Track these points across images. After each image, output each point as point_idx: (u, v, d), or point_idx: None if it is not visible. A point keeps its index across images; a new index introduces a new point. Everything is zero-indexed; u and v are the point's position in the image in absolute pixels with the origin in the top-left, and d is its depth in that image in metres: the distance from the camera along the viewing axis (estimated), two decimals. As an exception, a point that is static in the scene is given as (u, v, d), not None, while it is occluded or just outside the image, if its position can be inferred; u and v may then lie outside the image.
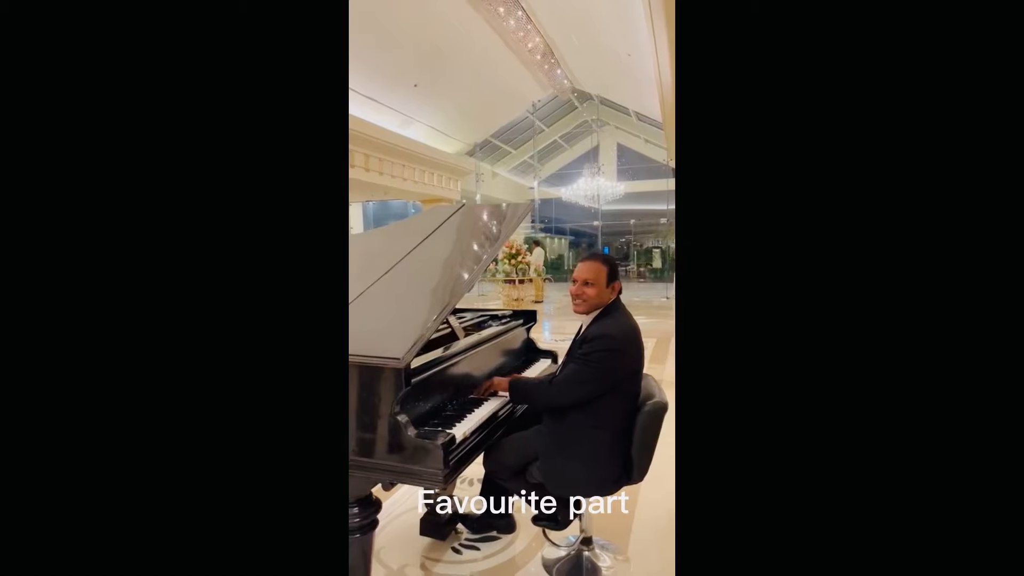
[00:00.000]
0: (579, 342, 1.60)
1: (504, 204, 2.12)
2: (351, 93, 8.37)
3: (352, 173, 8.53)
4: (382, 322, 1.50)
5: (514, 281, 8.94)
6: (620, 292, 1.65)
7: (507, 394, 1.63)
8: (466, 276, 1.73)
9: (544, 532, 1.88)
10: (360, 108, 8.67)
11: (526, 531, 1.90)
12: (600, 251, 1.73)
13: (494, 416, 1.59)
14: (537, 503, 1.69)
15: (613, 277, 1.61)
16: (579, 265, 1.64)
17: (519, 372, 1.97)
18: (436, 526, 1.86)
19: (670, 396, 1.63)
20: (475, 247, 1.94)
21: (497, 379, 1.68)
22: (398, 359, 1.27)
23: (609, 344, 1.49)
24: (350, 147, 8.38)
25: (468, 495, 2.12)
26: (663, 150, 12.12)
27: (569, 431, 1.51)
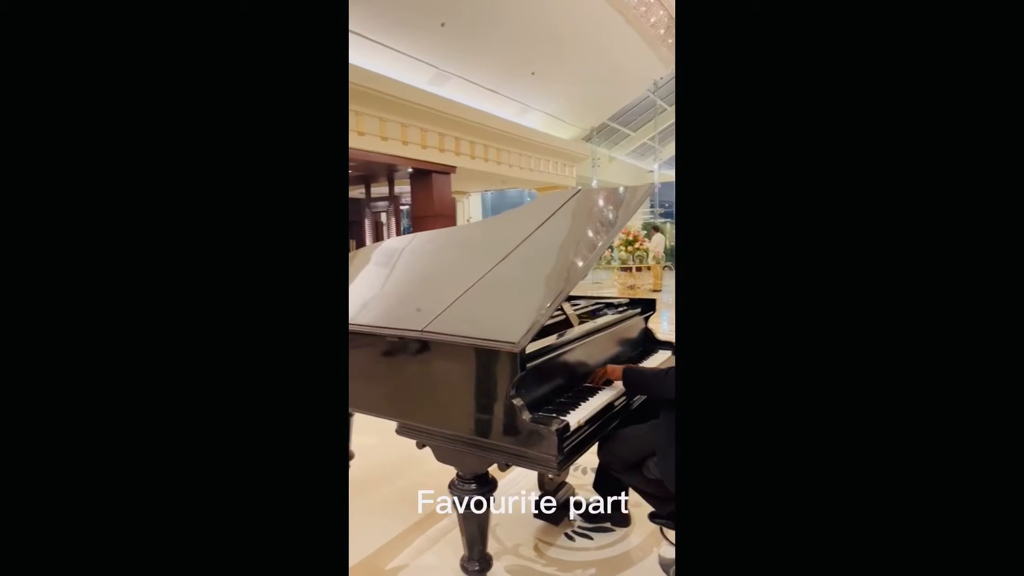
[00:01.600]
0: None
1: (622, 188, 2.04)
2: (474, 86, 8.67)
3: (472, 164, 8.89)
4: (498, 307, 1.53)
5: (630, 268, 8.64)
6: None
7: (620, 381, 1.58)
8: (581, 263, 1.70)
9: (661, 530, 1.80)
10: (481, 100, 8.95)
11: (641, 526, 1.84)
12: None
13: (610, 406, 1.55)
14: (655, 500, 1.62)
15: None
16: None
17: (635, 363, 1.89)
18: (549, 510, 1.87)
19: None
20: (591, 233, 1.89)
21: (611, 366, 1.63)
22: (513, 343, 1.29)
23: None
24: (472, 139, 8.73)
25: (581, 483, 2.11)
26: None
27: (691, 428, 1.42)
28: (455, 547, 1.58)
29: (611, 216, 1.92)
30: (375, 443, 2.44)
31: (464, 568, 1.49)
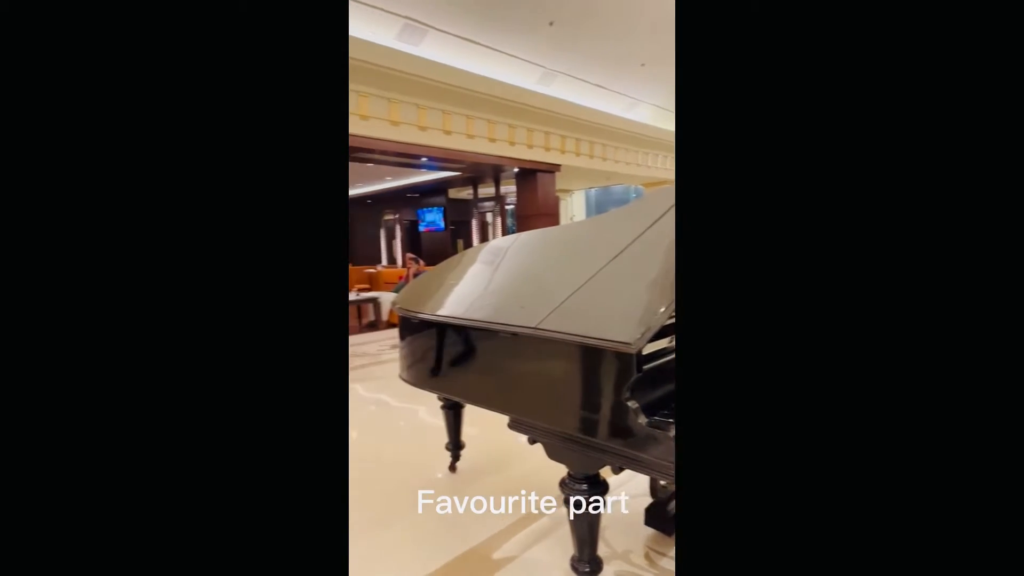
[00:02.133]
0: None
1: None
2: (581, 83, 8.60)
3: (577, 161, 8.82)
4: (613, 306, 1.50)
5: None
6: None
7: None
8: (702, 260, 1.60)
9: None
10: (590, 96, 8.84)
11: (765, 548, 1.69)
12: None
13: (732, 415, 1.44)
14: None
15: None
16: None
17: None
18: (662, 519, 1.80)
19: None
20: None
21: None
22: (629, 344, 1.25)
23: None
24: (578, 136, 8.66)
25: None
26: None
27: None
28: (563, 544, 1.58)
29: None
30: (477, 433, 2.52)
31: (575, 568, 1.48)
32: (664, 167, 10.61)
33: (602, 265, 1.69)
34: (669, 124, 11.14)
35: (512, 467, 2.32)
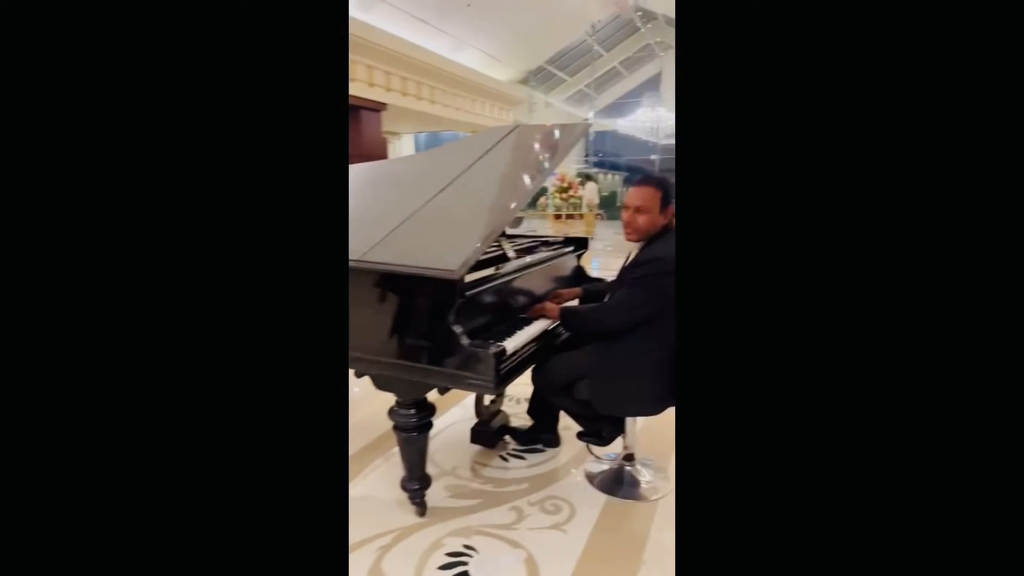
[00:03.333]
0: (629, 267, 1.58)
1: (558, 126, 2.05)
2: (404, 14, 8.10)
3: (403, 101, 8.44)
4: (437, 237, 1.53)
5: (562, 216, 8.79)
6: (674, 216, 1.59)
7: (557, 320, 1.65)
8: (517, 196, 1.72)
9: (588, 447, 1.97)
10: (411, 30, 8.39)
11: (570, 446, 1.99)
12: (653, 173, 1.64)
13: (544, 333, 1.62)
14: (583, 420, 1.76)
15: (667, 201, 1.54)
16: (630, 190, 1.58)
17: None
18: (486, 435, 1.98)
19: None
20: (527, 168, 1.90)
21: (549, 304, 1.70)
22: (452, 271, 1.30)
23: (663, 267, 1.46)
24: (404, 74, 8.23)
25: (515, 412, 2.22)
26: (732, 76, 11.14)
27: (619, 352, 1.53)
28: (396, 475, 1.64)
29: (549, 151, 1.93)
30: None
31: (404, 487, 1.56)
32: (492, 115, 10.78)
33: (427, 199, 1.70)
34: (496, 72, 11.26)
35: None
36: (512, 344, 1.43)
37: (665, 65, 13.76)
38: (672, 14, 12.01)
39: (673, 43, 13.44)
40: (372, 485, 1.75)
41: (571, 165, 14.07)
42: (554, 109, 14.57)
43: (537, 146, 2.03)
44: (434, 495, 1.65)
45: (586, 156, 16.18)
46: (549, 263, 1.96)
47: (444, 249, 1.43)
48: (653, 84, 13.64)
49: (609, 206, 13.89)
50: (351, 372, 1.49)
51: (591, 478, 1.79)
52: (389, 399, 1.52)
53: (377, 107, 8.03)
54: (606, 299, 1.63)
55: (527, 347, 1.53)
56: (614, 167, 16.78)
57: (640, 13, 12.27)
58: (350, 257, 1.44)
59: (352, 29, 6.90)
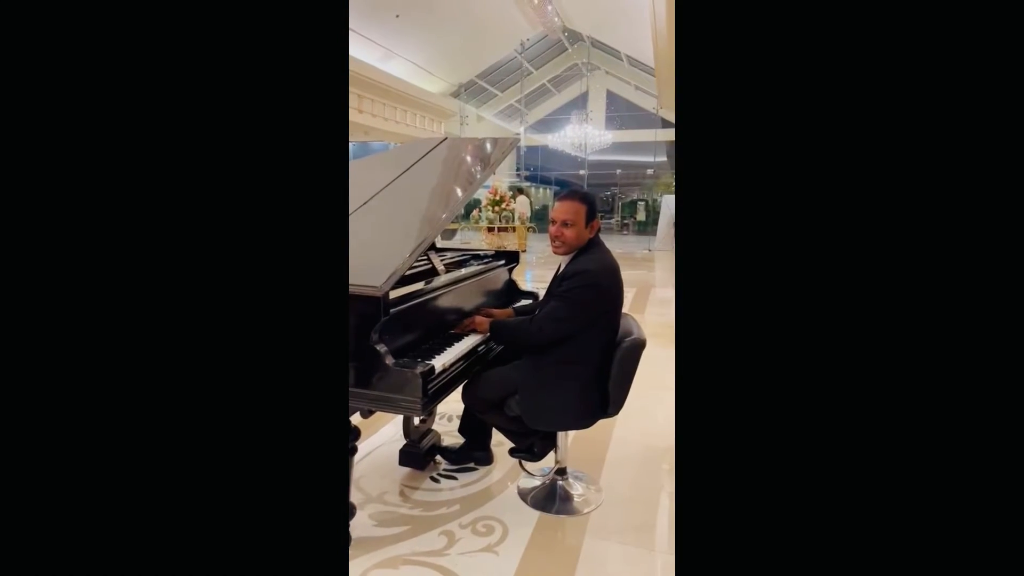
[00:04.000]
0: (558, 280, 1.59)
1: (488, 139, 2.05)
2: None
3: (330, 110, 8.14)
4: (361, 251, 1.46)
5: (494, 229, 8.84)
6: (599, 230, 1.63)
7: (488, 334, 1.63)
8: (447, 209, 1.68)
9: (520, 463, 1.94)
10: (338, 39, 8.14)
11: (503, 463, 1.96)
12: (579, 188, 1.67)
13: (473, 350, 1.59)
14: (515, 436, 1.73)
15: (592, 215, 1.57)
16: (556, 205, 1.60)
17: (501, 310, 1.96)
18: (415, 457, 1.90)
19: (650, 343, 1.65)
20: (457, 181, 1.88)
21: (479, 318, 1.67)
22: (375, 287, 1.24)
23: (588, 279, 1.48)
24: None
25: (446, 430, 2.16)
26: (653, 98, 11.81)
27: (549, 366, 1.53)
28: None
29: (479, 164, 1.92)
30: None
31: (326, 520, 1.45)
32: (423, 127, 10.68)
33: (350, 211, 1.62)
34: (427, 84, 11.19)
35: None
36: (441, 362, 1.39)
37: (591, 84, 14.32)
38: (596, 35, 12.56)
39: (598, 64, 14.06)
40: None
41: (503, 179, 14.23)
42: (485, 123, 14.71)
43: (467, 158, 2.01)
44: (359, 525, 1.56)
45: (517, 170, 16.43)
46: (480, 277, 1.93)
47: (368, 264, 1.36)
48: (580, 102, 14.14)
49: (541, 219, 14.17)
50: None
51: (524, 495, 1.76)
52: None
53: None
54: (536, 313, 1.63)
55: (457, 364, 1.49)
56: (545, 181, 17.17)
57: (566, 34, 12.73)
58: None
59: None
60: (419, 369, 1.26)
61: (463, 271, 1.90)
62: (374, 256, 1.40)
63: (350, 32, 8.36)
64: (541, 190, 17.05)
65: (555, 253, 1.61)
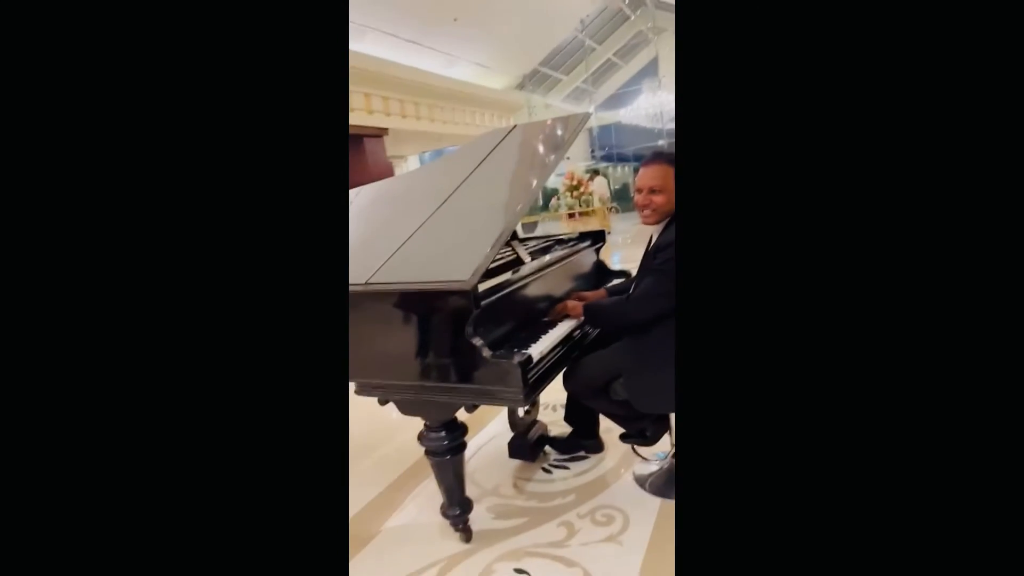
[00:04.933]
0: (652, 253, 1.48)
1: (558, 119, 1.97)
2: (393, 39, 8.18)
3: (404, 123, 8.51)
4: (444, 250, 1.47)
5: (575, 215, 8.67)
6: None
7: (582, 318, 1.56)
8: (524, 196, 1.64)
9: (634, 449, 1.86)
10: (402, 53, 8.47)
11: (615, 449, 1.88)
12: (663, 150, 1.53)
13: (570, 336, 1.54)
14: (623, 420, 1.65)
15: None
16: (641, 171, 1.48)
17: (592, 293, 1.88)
18: (524, 448, 1.89)
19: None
20: (532, 166, 1.83)
21: (571, 303, 1.61)
22: (464, 281, 1.23)
23: (688, 247, 1.36)
24: (401, 96, 8.30)
25: (552, 420, 2.13)
26: (731, 49, 10.89)
27: (653, 344, 1.43)
28: (436, 501, 1.57)
29: (552, 144, 1.86)
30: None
31: (445, 515, 1.48)
32: (493, 124, 10.78)
33: (430, 212, 1.64)
34: (491, 81, 11.29)
35: (388, 440, 2.23)
36: (538, 350, 1.35)
37: (660, 49, 13.56)
38: (660, -4, 11.85)
39: (665, 25, 13.26)
40: (413, 514, 1.68)
41: (578, 163, 13.96)
42: (553, 109, 14.50)
43: (538, 143, 1.95)
44: (478, 518, 1.57)
45: (592, 152, 16.03)
46: (567, 261, 1.87)
47: (453, 261, 1.36)
48: (651, 70, 13.44)
49: (622, 199, 13.70)
50: (376, 400, 1.43)
51: (641, 481, 1.68)
52: (420, 424, 1.45)
53: (379, 133, 8.12)
54: (631, 290, 1.53)
55: (554, 351, 1.44)
56: (622, 159, 16.57)
57: (628, 1, 12.15)
58: (358, 281, 1.39)
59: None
60: (517, 359, 1.23)
61: (548, 257, 1.85)
62: (458, 252, 1.40)
63: (413, 44, 8.64)
64: (619, 168, 16.49)
65: (645, 223, 1.50)
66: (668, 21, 13.35)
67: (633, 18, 13.09)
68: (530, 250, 2.01)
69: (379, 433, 2.27)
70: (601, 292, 1.77)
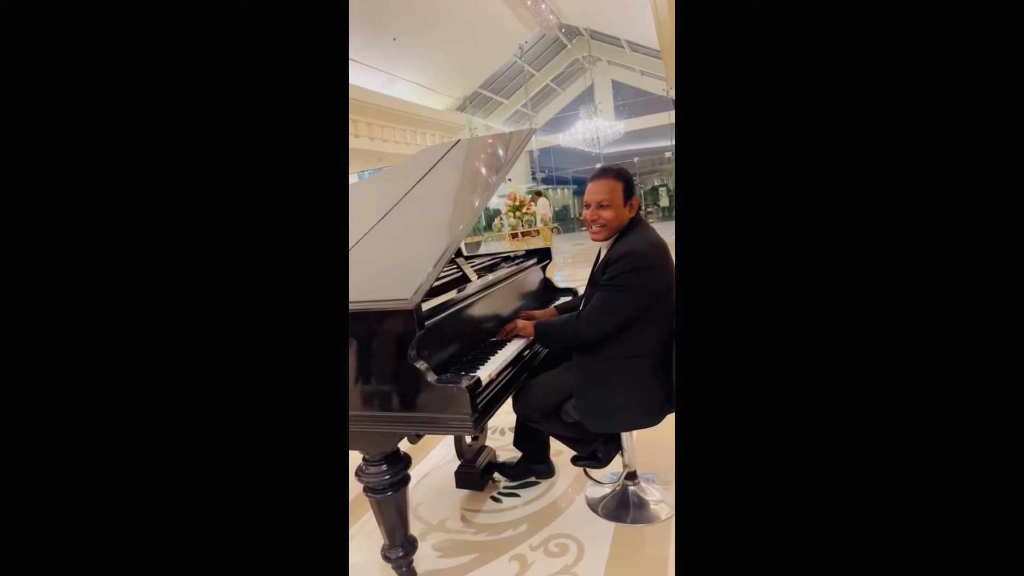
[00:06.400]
0: (601, 267, 1.46)
1: (503, 134, 1.94)
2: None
3: (342, 141, 8.27)
4: (386, 266, 1.37)
5: (517, 234, 8.73)
6: (640, 208, 1.49)
7: (532, 337, 1.50)
8: (471, 210, 1.58)
9: (585, 471, 1.80)
10: (341, 71, 8.27)
11: (566, 473, 1.82)
12: (611, 165, 1.53)
13: (519, 356, 1.47)
14: (576, 443, 1.60)
15: (630, 193, 1.44)
16: (589, 186, 1.46)
17: (539, 310, 1.83)
18: (472, 477, 1.79)
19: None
20: (477, 180, 1.77)
21: (520, 322, 1.55)
22: (406, 299, 1.14)
23: (635, 262, 1.34)
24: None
25: (500, 445, 2.04)
26: (661, 80, 11.55)
27: (605, 363, 1.39)
28: (375, 540, 1.43)
29: (496, 160, 1.81)
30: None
31: (386, 557, 1.35)
32: (432, 144, 10.75)
33: (369, 228, 1.54)
34: (432, 102, 11.27)
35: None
36: (487, 372, 1.27)
37: (596, 76, 14.15)
38: (594, 26, 12.40)
39: (600, 55, 13.88)
40: (352, 558, 1.52)
41: (520, 185, 14.17)
42: (494, 131, 14.69)
43: (483, 158, 1.90)
44: (424, 557, 1.45)
45: (533, 174, 16.35)
46: (514, 278, 1.82)
47: (395, 278, 1.26)
48: (587, 96, 13.95)
49: (562, 219, 13.99)
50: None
51: (594, 505, 1.62)
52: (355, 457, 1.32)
53: (315, 149, 7.83)
54: (581, 307, 1.50)
55: (503, 373, 1.37)
56: (561, 181, 16.99)
57: (564, 30, 12.62)
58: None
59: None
60: (465, 383, 1.14)
61: (495, 274, 1.79)
62: (400, 270, 1.30)
63: (352, 62, 8.48)
64: (559, 190, 16.88)
65: (594, 239, 1.48)
66: (603, 51, 13.99)
67: (570, 46, 13.62)
68: (476, 267, 1.94)
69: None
70: (551, 310, 1.72)
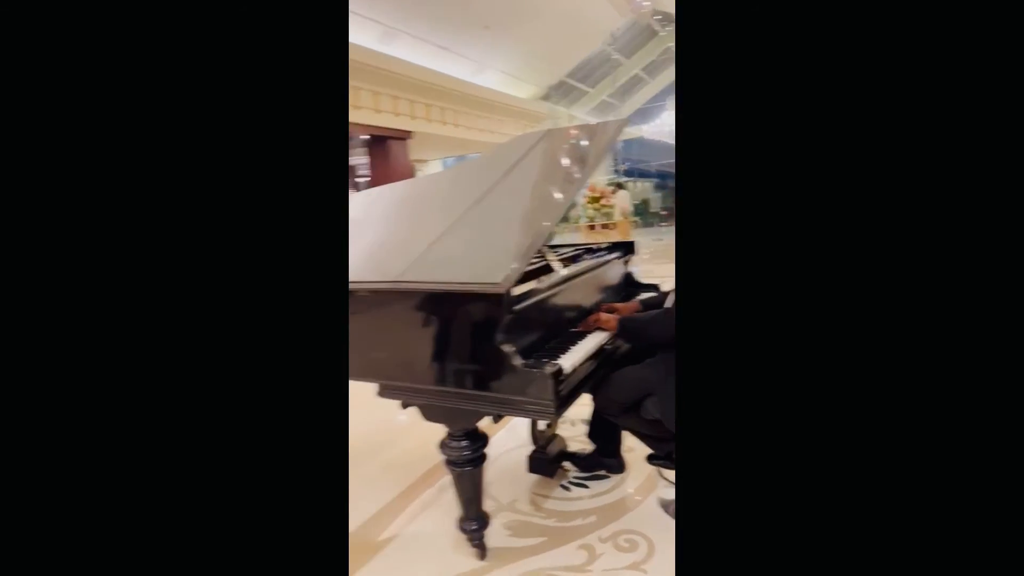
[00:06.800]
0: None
1: (592, 124, 1.92)
2: (424, 43, 8.24)
3: (429, 128, 8.55)
4: (477, 251, 1.41)
5: (595, 226, 8.58)
6: None
7: (615, 332, 1.49)
8: (560, 201, 1.58)
9: (659, 472, 1.77)
10: (432, 58, 8.52)
11: (638, 470, 1.80)
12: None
13: (601, 348, 1.46)
14: (653, 441, 1.57)
15: None
16: None
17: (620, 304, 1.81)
18: (544, 463, 1.81)
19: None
20: (568, 170, 1.77)
21: (604, 315, 1.54)
22: (497, 283, 1.17)
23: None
24: (428, 101, 8.34)
25: (571, 435, 2.05)
26: (761, 69, 10.78)
27: (688, 362, 1.35)
28: (448, 511, 1.50)
29: (585, 151, 1.80)
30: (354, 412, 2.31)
31: (462, 528, 1.41)
32: (516, 134, 10.81)
33: (461, 213, 1.59)
34: (517, 90, 11.32)
35: (396, 443, 2.17)
36: (568, 362, 1.28)
37: (688, 66, 13.50)
38: (691, 14, 11.81)
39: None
40: (425, 525, 1.61)
41: (600, 176, 13.90)
42: (578, 122, 14.49)
43: (574, 147, 1.90)
44: (494, 533, 1.50)
45: (615, 165, 15.97)
46: (598, 270, 1.81)
47: (486, 262, 1.30)
48: (677, 86, 13.37)
49: (641, 214, 13.57)
50: (378, 401, 1.37)
51: (667, 506, 1.59)
52: (435, 427, 1.38)
53: (404, 136, 8.16)
54: (667, 303, 1.46)
55: (585, 364, 1.37)
56: (643, 174, 16.45)
57: (659, 17, 12.12)
58: (385, 279, 1.34)
59: (375, 61, 7.07)
60: (548, 369, 1.16)
61: (579, 265, 1.79)
62: (492, 254, 1.34)
63: (443, 50, 8.68)
64: (640, 184, 16.37)
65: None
66: (698, 38, 13.27)
67: (662, 34, 13.06)
68: (560, 257, 1.95)
69: (381, 435, 2.21)
70: (634, 304, 1.70)
